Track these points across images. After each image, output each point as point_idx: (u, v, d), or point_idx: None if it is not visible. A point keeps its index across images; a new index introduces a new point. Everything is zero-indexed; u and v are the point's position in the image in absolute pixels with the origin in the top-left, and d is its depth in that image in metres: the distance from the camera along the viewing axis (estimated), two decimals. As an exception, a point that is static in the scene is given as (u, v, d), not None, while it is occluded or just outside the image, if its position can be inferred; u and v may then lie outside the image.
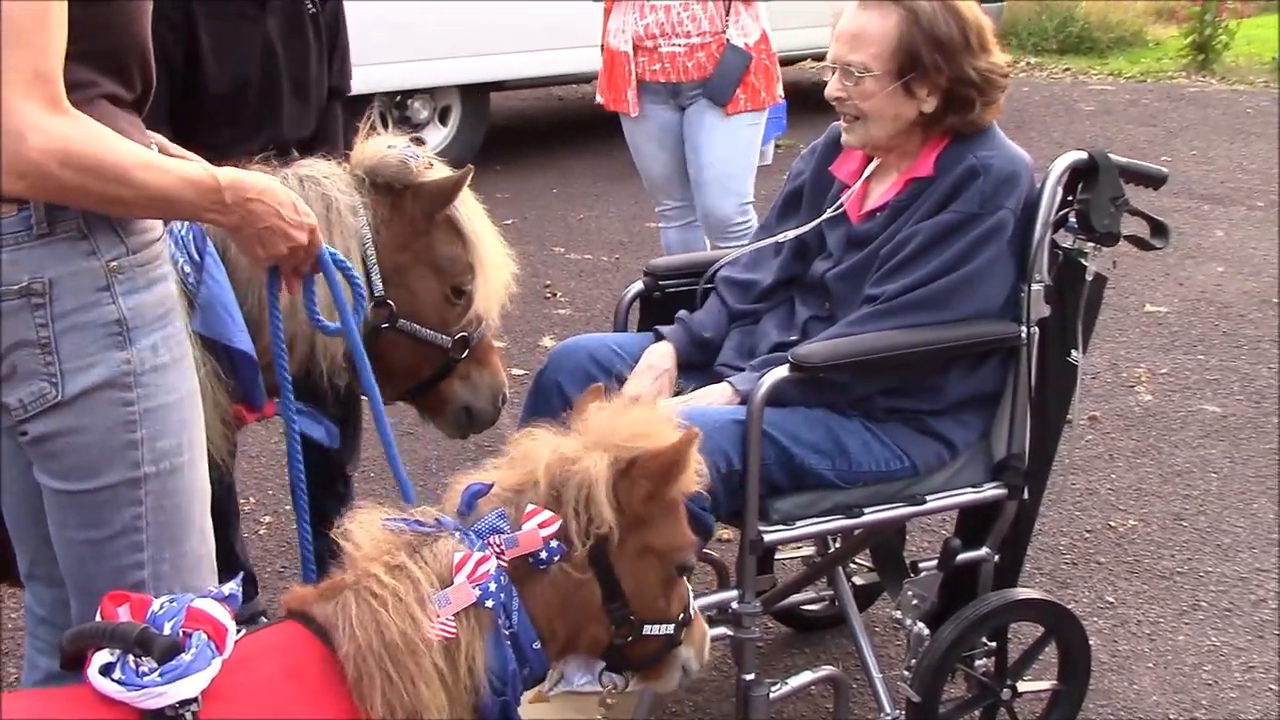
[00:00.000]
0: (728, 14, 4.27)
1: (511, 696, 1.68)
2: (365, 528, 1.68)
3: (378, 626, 1.58)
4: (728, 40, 4.26)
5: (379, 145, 2.42)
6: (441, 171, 2.46)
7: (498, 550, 1.68)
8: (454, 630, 1.61)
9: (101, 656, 1.48)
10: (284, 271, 2.03)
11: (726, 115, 4.31)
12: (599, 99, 4.59)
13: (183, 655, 1.46)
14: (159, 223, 1.83)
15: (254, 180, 1.84)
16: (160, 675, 1.44)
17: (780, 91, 4.53)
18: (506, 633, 1.67)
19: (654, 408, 1.82)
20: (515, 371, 4.71)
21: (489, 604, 1.65)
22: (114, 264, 1.70)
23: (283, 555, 3.59)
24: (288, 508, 3.83)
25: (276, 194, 1.86)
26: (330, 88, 2.98)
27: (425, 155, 2.45)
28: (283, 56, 2.80)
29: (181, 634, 1.49)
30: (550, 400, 2.63)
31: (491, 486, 1.74)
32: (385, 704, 1.56)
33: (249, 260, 1.94)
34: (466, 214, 2.48)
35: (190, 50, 2.69)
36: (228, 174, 1.78)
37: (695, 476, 1.78)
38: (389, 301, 2.39)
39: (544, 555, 1.68)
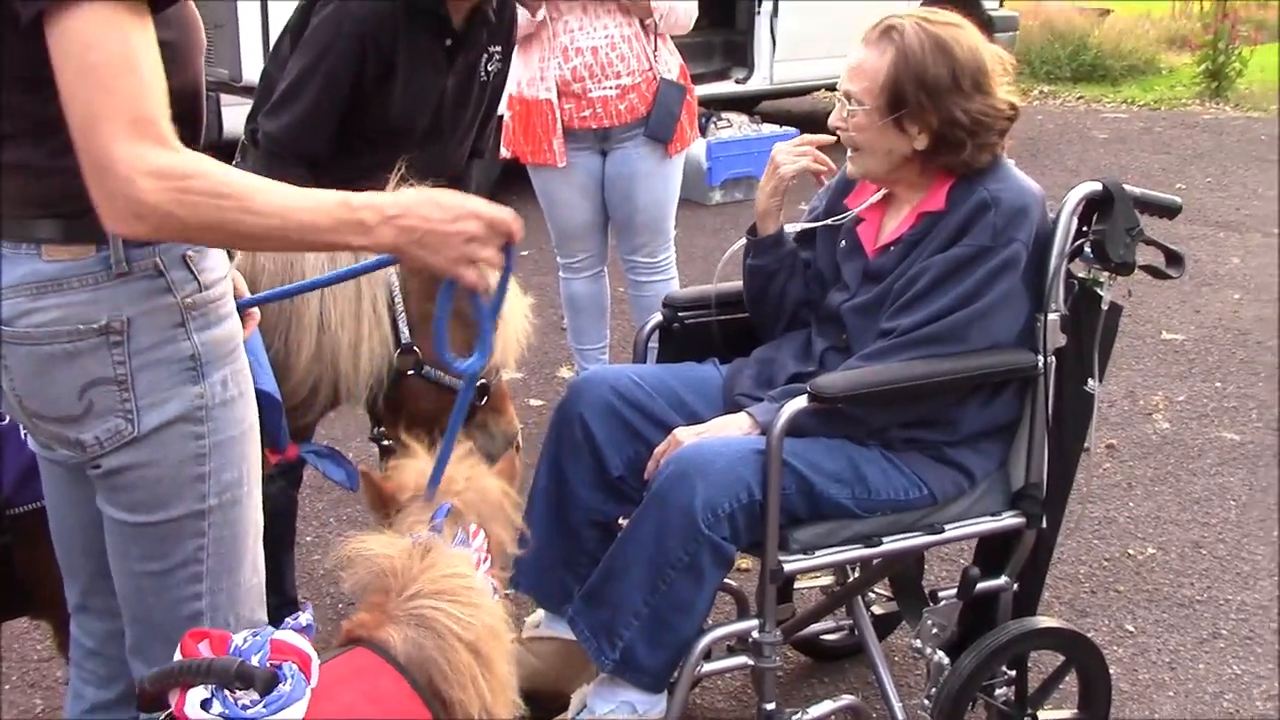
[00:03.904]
0: (655, 50, 4.08)
1: None
2: (381, 544, 1.80)
3: (475, 620, 1.74)
4: (660, 76, 4.09)
5: None
6: None
7: None
8: None
9: (197, 693, 1.49)
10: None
11: (667, 156, 4.15)
12: (505, 153, 4.23)
13: (281, 686, 1.50)
14: (225, 260, 1.82)
15: (386, 198, 1.69)
16: (265, 706, 1.48)
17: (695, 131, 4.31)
18: None
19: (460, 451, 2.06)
20: (533, 402, 4.74)
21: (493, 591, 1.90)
22: (189, 300, 1.72)
23: (304, 587, 3.61)
24: (309, 539, 3.86)
25: (419, 206, 1.68)
26: (473, 150, 3.24)
27: None
28: (448, 112, 3.03)
29: (269, 665, 1.52)
30: (572, 432, 2.65)
31: (450, 509, 1.94)
32: (487, 692, 1.70)
33: (439, 273, 1.75)
34: None
35: (383, 75, 2.89)
36: (359, 197, 1.65)
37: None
38: (415, 349, 2.43)
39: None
